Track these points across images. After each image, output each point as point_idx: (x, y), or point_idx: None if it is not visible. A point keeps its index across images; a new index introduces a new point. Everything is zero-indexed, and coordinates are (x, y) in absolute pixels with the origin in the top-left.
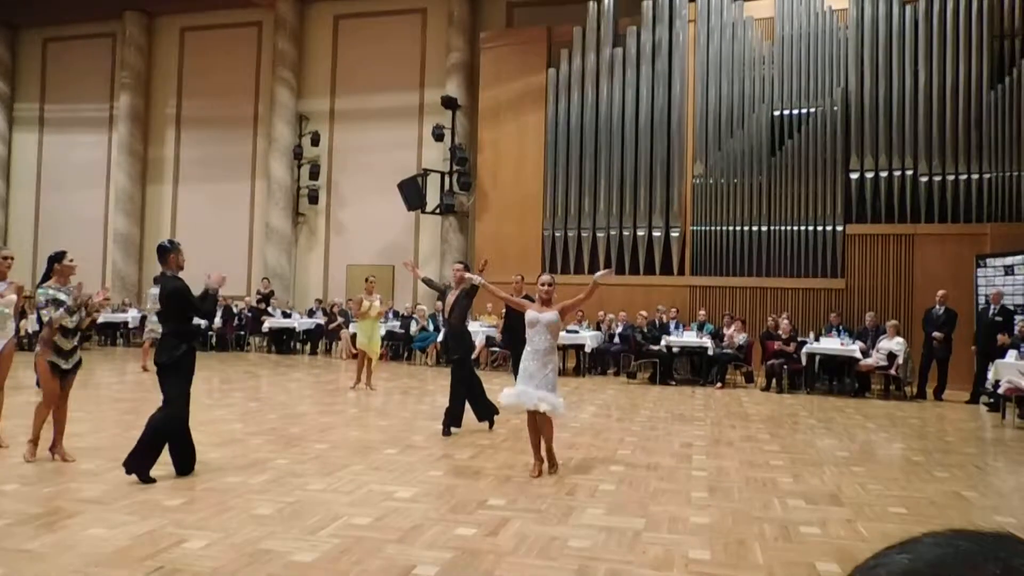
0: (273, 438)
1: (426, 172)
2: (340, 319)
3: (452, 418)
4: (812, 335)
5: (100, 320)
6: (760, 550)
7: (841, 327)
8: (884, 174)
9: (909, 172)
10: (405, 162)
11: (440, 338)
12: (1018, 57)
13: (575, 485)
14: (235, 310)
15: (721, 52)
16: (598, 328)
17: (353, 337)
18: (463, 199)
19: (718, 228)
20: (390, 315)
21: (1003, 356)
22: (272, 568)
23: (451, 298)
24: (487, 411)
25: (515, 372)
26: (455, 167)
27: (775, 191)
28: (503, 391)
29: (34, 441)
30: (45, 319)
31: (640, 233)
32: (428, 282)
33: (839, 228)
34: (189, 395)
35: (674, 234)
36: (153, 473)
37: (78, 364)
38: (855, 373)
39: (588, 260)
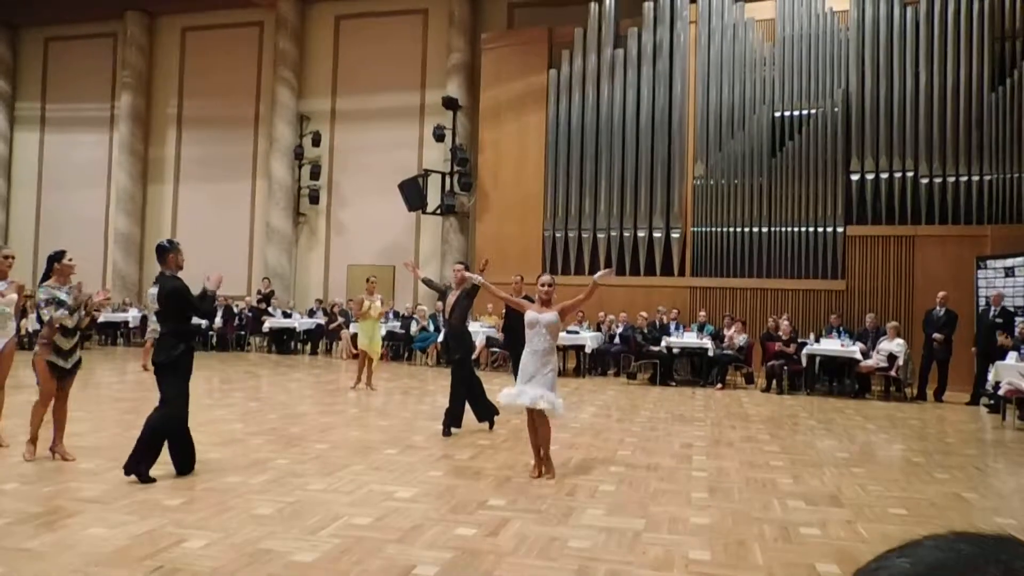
0: (273, 438)
1: (427, 172)
2: (340, 319)
3: (452, 418)
4: (812, 336)
5: (101, 320)
6: (760, 551)
7: (841, 328)
8: (885, 175)
9: (910, 173)
10: (406, 162)
11: (440, 338)
12: (1019, 59)
13: (575, 485)
14: (235, 310)
15: (722, 53)
16: (598, 329)
17: (354, 337)
18: (464, 199)
19: (719, 229)
20: (390, 315)
21: (1003, 358)
22: (272, 568)
23: (451, 299)
24: (487, 412)
25: (515, 372)
26: (456, 168)
27: (776, 192)
28: (502, 391)
29: (33, 440)
30: (45, 318)
31: (641, 234)
32: (428, 282)
33: (840, 229)
34: (188, 395)
35: (675, 235)
36: (153, 473)
37: (78, 364)
38: (855, 374)
39: (588, 261)
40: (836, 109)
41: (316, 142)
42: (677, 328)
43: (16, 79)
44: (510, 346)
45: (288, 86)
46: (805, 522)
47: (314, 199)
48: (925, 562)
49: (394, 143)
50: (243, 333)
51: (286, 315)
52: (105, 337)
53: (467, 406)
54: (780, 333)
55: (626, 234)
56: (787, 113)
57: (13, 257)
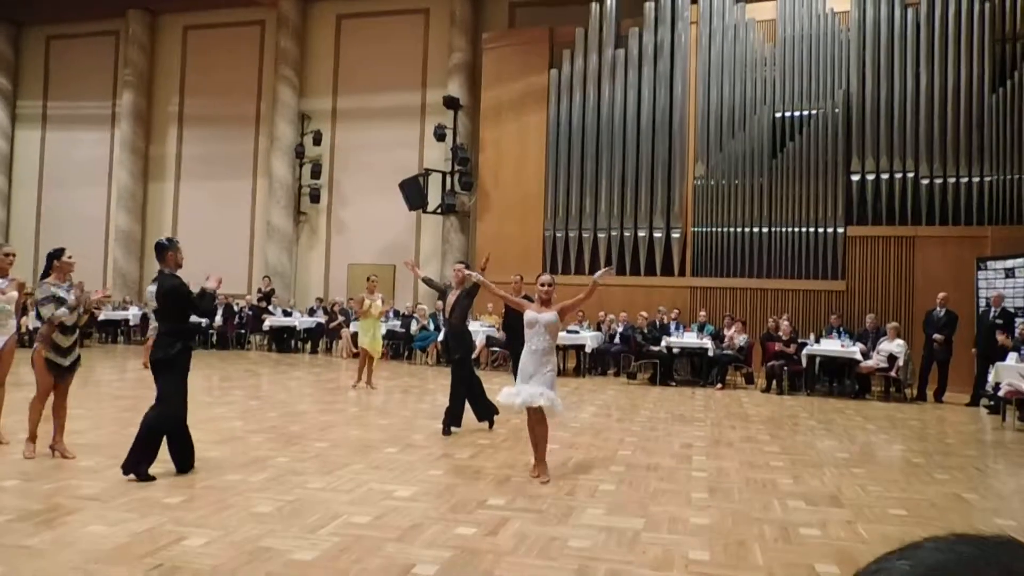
0: (273, 436)
1: (428, 172)
2: (341, 318)
3: (452, 418)
4: (812, 337)
5: (101, 318)
6: (760, 551)
7: (841, 329)
8: (885, 176)
9: (910, 174)
10: (407, 162)
11: (440, 338)
12: (1019, 60)
13: (575, 485)
14: (236, 308)
15: (723, 54)
16: (598, 328)
17: (354, 336)
18: (464, 199)
19: (719, 229)
20: (391, 314)
21: (1003, 359)
22: (272, 566)
23: (452, 298)
24: (487, 411)
25: (515, 372)
26: (456, 167)
27: (776, 192)
28: (502, 390)
29: (32, 438)
30: (45, 316)
31: (641, 234)
32: (428, 281)
33: (840, 230)
34: (185, 393)
35: (675, 235)
36: (153, 471)
37: (77, 361)
38: (855, 375)
39: (589, 260)
40: (837, 110)
41: (317, 141)
42: (677, 328)
43: (18, 76)
44: (510, 345)
45: (289, 85)
46: (805, 522)
47: (315, 198)
48: (925, 564)
49: (395, 142)
50: (243, 331)
51: (286, 314)
52: (105, 335)
53: (467, 405)
54: (780, 333)
55: (626, 234)
56: (788, 113)
57: (14, 255)
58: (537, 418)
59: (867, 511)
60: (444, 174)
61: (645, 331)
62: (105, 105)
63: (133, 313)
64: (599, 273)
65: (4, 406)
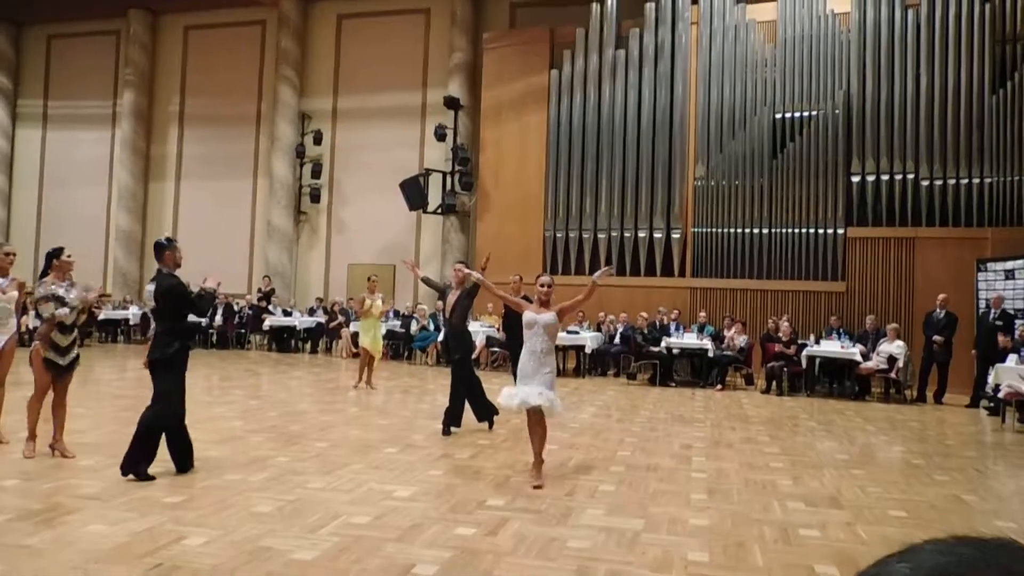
0: (273, 436)
1: (428, 172)
2: (341, 318)
3: (452, 418)
4: (812, 338)
5: (101, 317)
6: (759, 552)
7: (841, 330)
8: (885, 177)
9: (910, 176)
10: (407, 161)
11: (440, 338)
12: (1020, 62)
13: (575, 485)
14: (236, 308)
15: (723, 54)
16: (598, 329)
17: (354, 336)
18: (465, 199)
19: (719, 230)
20: (391, 314)
21: (1003, 360)
22: (271, 566)
23: (452, 298)
24: (487, 411)
25: (515, 372)
26: (457, 167)
27: (776, 193)
28: (502, 391)
29: (32, 437)
30: (45, 315)
31: (641, 234)
32: (428, 281)
33: (840, 231)
34: (183, 392)
35: (675, 236)
36: (152, 470)
37: (75, 360)
38: (855, 376)
39: (589, 261)
40: (837, 111)
41: (317, 141)
42: (677, 329)
43: (19, 76)
44: (510, 346)
45: (290, 85)
46: (805, 524)
47: (315, 198)
48: (925, 566)
49: (395, 142)
50: (243, 331)
51: (287, 313)
52: (105, 334)
53: (467, 406)
54: (780, 334)
55: (627, 234)
56: (788, 114)
57: (14, 254)
58: (536, 419)
59: (867, 512)
60: (444, 174)
61: (645, 332)
62: (106, 105)
63: (133, 312)
64: (598, 273)
65: (4, 405)
